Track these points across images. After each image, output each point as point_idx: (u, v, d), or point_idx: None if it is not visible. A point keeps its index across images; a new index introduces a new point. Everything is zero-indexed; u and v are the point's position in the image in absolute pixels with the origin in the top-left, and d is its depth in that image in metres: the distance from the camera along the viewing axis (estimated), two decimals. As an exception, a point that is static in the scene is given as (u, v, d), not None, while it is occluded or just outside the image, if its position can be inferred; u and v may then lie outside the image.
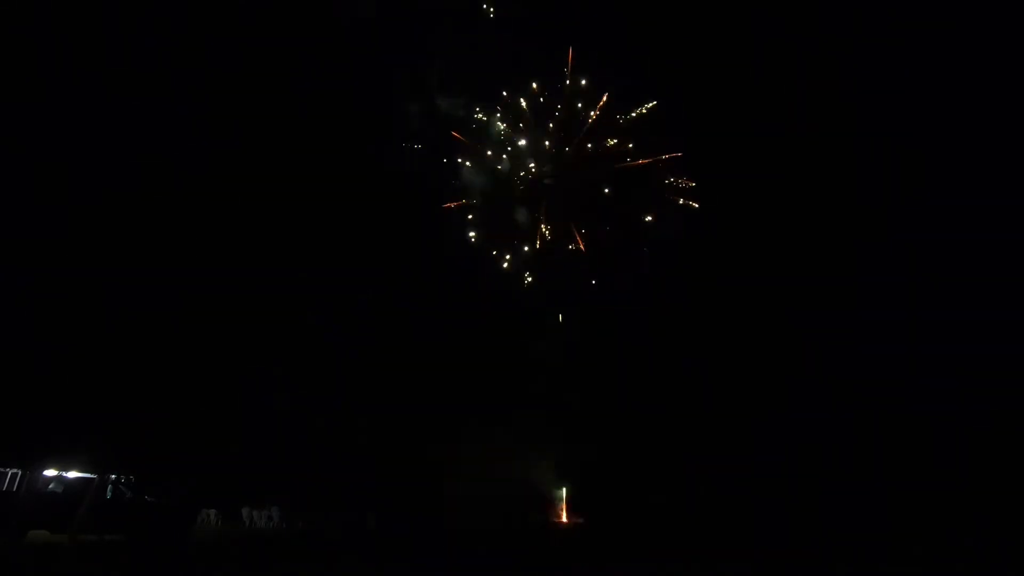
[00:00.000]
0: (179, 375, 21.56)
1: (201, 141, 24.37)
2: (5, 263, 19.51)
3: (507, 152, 33.62)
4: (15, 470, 14.95)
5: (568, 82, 32.87)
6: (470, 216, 33.20)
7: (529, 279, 33.19)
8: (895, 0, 27.42)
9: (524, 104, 33.22)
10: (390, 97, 29.41)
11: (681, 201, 33.14)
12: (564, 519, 29.98)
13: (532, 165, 33.80)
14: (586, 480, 30.76)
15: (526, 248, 33.67)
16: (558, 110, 33.64)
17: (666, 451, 29.26)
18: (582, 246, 33.57)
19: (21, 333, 18.95)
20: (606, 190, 33.87)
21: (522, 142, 33.40)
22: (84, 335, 20.02)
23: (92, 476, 15.66)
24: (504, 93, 32.92)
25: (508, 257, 33.39)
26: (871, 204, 28.67)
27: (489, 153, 33.26)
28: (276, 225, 25.71)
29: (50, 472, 15.43)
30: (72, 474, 15.67)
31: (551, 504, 30.38)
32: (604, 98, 32.87)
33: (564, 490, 30.73)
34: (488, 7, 30.25)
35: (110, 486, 15.81)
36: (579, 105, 33.43)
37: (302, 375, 25.80)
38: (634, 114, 32.99)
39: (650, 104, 32.68)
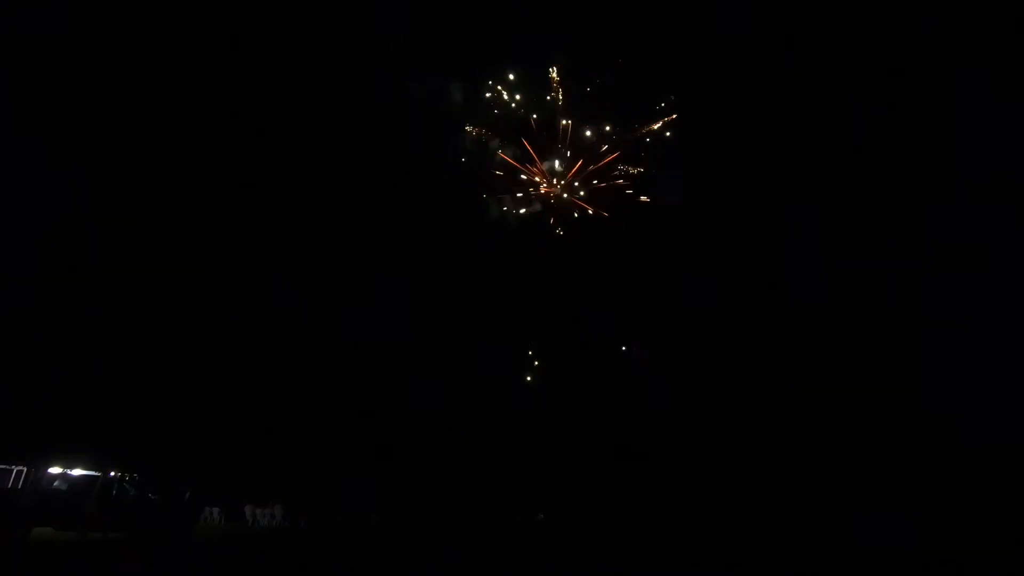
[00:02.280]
0: (182, 373, 21.60)
1: (202, 140, 24.36)
2: (7, 262, 19.59)
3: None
4: (20, 468, 15.06)
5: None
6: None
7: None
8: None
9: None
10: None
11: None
12: (567, 517, 29.97)
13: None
14: (589, 479, 30.75)
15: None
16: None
17: (670, 450, 29.22)
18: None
19: (24, 331, 19.02)
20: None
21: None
22: (88, 333, 20.08)
23: (96, 474, 15.75)
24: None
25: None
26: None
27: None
28: (273, 223, 25.69)
29: (55, 470, 15.53)
30: (76, 472, 15.78)
31: (555, 502, 30.39)
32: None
33: (567, 488, 30.73)
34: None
35: (114, 484, 15.91)
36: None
37: (303, 374, 25.86)
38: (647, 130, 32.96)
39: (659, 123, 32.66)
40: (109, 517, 15.43)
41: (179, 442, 19.47)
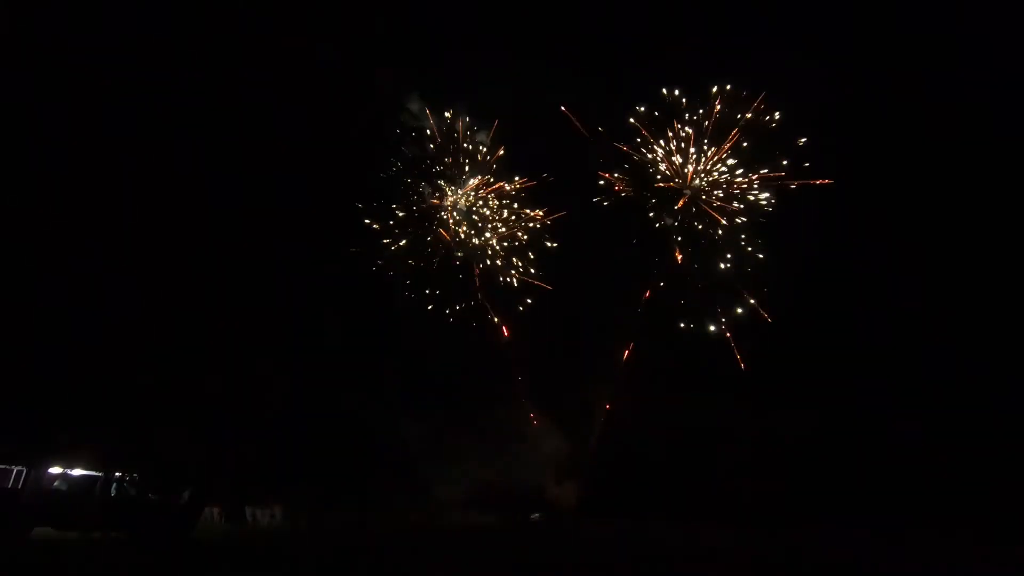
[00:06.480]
0: (183, 374, 21.65)
1: (194, 142, 24.36)
2: (8, 263, 19.62)
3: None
4: (20, 467, 15.06)
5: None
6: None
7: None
8: None
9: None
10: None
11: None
12: (566, 517, 29.94)
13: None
14: (591, 476, 30.73)
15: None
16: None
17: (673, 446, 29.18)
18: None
19: (25, 331, 19.05)
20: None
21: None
22: (88, 333, 20.12)
23: (97, 474, 15.76)
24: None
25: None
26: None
27: None
28: (271, 224, 25.71)
29: (55, 470, 15.53)
30: (76, 472, 15.77)
31: (554, 501, 30.36)
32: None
33: (568, 487, 30.71)
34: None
35: (114, 484, 15.92)
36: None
37: (304, 374, 25.88)
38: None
39: None
40: (109, 517, 15.43)
41: (179, 442, 19.50)
